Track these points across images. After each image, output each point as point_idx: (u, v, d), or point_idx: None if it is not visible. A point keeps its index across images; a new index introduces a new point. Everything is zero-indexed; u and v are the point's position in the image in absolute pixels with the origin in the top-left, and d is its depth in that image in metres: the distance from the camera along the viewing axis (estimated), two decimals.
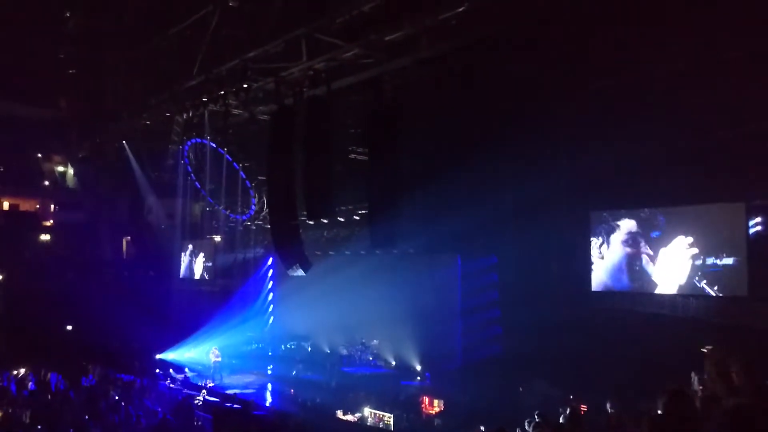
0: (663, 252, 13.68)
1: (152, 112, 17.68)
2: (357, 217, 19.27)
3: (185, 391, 16.59)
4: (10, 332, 21.46)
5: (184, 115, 16.46)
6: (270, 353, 21.79)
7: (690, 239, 13.22)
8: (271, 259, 23.54)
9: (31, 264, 25.12)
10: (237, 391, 16.99)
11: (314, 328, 21.14)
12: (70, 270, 24.62)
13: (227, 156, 18.90)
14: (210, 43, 13.96)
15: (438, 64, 11.69)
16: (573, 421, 7.66)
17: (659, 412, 4.43)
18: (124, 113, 18.89)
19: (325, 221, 18.36)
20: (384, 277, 18.19)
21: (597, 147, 12.88)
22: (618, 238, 14.52)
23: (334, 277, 18.34)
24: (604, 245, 14.74)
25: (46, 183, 28.93)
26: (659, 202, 13.75)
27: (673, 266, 13.48)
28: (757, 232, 12.46)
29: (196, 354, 20.42)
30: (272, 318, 23.81)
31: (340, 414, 14.59)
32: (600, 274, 14.79)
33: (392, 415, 13.86)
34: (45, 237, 27.40)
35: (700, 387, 6.08)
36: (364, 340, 19.35)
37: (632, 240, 14.25)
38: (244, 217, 22.21)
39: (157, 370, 18.92)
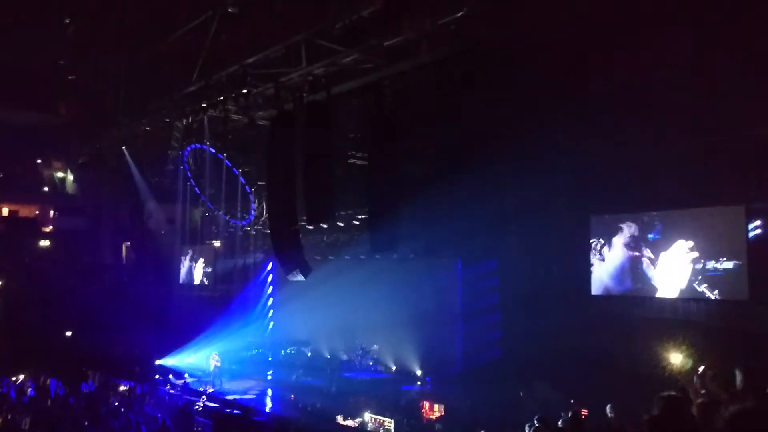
0: (663, 256, 13.67)
1: (152, 118, 17.69)
2: (357, 222, 19.27)
3: (185, 396, 16.55)
4: (9, 338, 21.42)
5: (184, 121, 16.47)
6: (270, 358, 21.75)
7: (690, 243, 13.22)
8: (270, 264, 23.54)
9: (31, 270, 25.09)
10: (237, 396, 16.95)
11: (314, 333, 21.11)
12: (69, 276, 24.59)
13: (227, 161, 18.89)
14: (210, 48, 13.98)
15: (437, 69, 11.70)
16: (574, 425, 7.64)
17: (654, 416, 4.42)
18: (123, 119, 18.90)
19: (325, 226, 18.35)
20: (384, 282, 18.17)
21: (597, 151, 12.90)
22: (618, 241, 14.51)
23: (334, 282, 18.33)
24: (605, 249, 14.73)
25: (46, 189, 28.95)
26: (659, 205, 13.75)
27: (674, 270, 13.47)
28: (757, 235, 12.46)
29: (196, 359, 20.38)
30: (272, 323, 23.78)
31: (340, 419, 14.55)
32: (600, 278, 14.77)
33: (393, 420, 13.83)
34: (45, 243, 27.39)
35: (702, 391, 6.06)
36: (364, 345, 19.31)
37: (633, 243, 14.25)
38: (244, 223, 22.21)
39: (157, 376, 18.89)
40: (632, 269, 14.19)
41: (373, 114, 12.38)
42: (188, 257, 25.87)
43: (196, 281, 25.38)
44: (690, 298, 13.24)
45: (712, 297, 12.84)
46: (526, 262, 15.34)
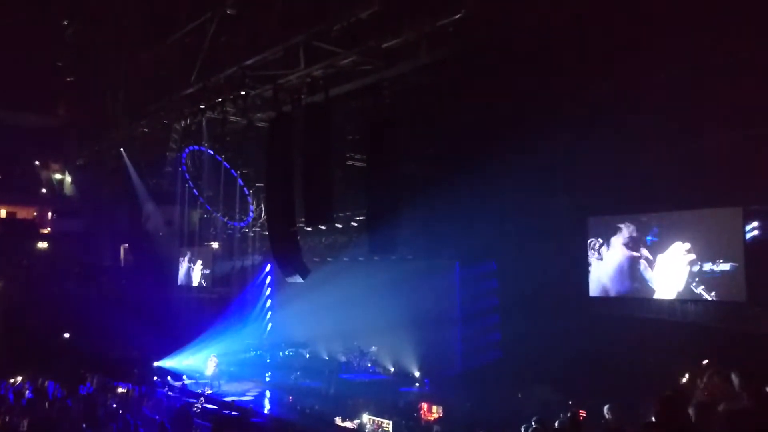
0: (661, 257, 13.70)
1: (150, 120, 17.68)
2: (355, 224, 19.27)
3: (183, 398, 16.53)
4: (7, 340, 21.38)
5: (182, 123, 16.46)
6: (268, 360, 21.74)
7: (688, 244, 13.25)
8: (269, 266, 23.53)
9: (29, 272, 25.07)
10: (235, 398, 16.93)
11: (313, 335, 21.10)
12: (67, 278, 24.58)
13: (225, 163, 18.90)
14: (208, 50, 13.99)
15: (436, 71, 11.72)
16: (572, 426, 7.65)
17: (652, 418, 4.44)
18: (122, 121, 18.89)
19: (324, 227, 18.37)
20: (382, 283, 18.17)
21: (596, 152, 12.92)
22: (617, 243, 14.55)
23: (333, 284, 18.32)
24: (603, 250, 14.76)
25: (44, 191, 28.92)
26: (657, 207, 13.79)
27: (671, 272, 13.50)
28: (754, 237, 12.49)
29: (195, 361, 20.37)
30: (270, 325, 23.77)
31: (338, 421, 14.55)
32: (599, 279, 14.81)
33: (391, 422, 13.83)
34: (43, 245, 27.35)
35: (705, 392, 6.08)
36: (362, 347, 19.31)
37: (631, 245, 14.28)
38: (242, 224, 22.21)
39: (156, 378, 18.86)
40: (630, 271, 14.22)
41: (371, 116, 12.39)
42: (186, 259, 25.85)
43: (195, 283, 25.36)
44: (687, 300, 13.27)
45: (710, 298, 12.87)
46: (524, 264, 15.36)
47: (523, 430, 7.80)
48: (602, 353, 13.19)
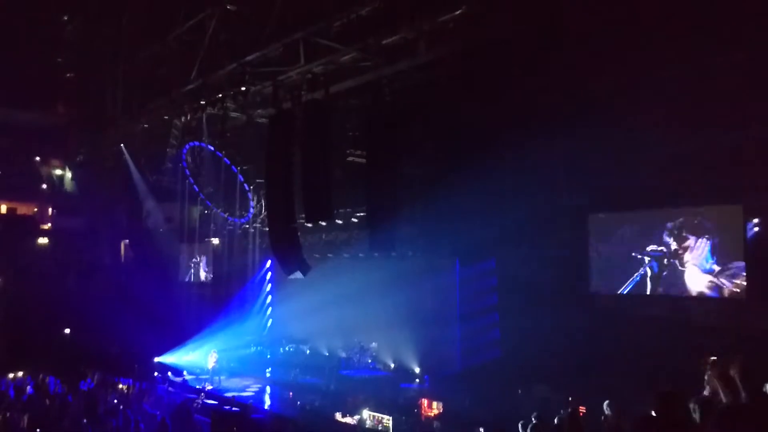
0: (661, 255, 13.70)
1: (150, 116, 17.68)
2: (355, 220, 19.28)
3: (184, 394, 16.56)
4: (8, 336, 21.42)
5: (183, 119, 16.47)
6: (269, 356, 21.77)
7: (689, 241, 13.25)
8: (269, 262, 23.54)
9: (29, 268, 25.08)
10: (235, 394, 16.96)
11: (313, 331, 21.11)
12: (68, 274, 24.60)
13: (225, 159, 18.90)
14: (208, 46, 13.98)
15: (436, 68, 11.70)
16: (572, 423, 7.65)
17: (652, 413, 4.45)
18: (122, 117, 18.89)
19: (324, 224, 18.36)
20: (382, 280, 18.17)
21: (596, 149, 12.90)
22: (616, 241, 14.53)
23: (333, 281, 18.34)
24: (603, 248, 14.75)
25: (44, 187, 28.90)
26: (657, 204, 13.77)
27: (671, 269, 13.50)
28: (755, 233, 12.48)
29: (195, 357, 20.40)
30: (271, 321, 23.80)
31: (339, 417, 14.58)
32: (598, 278, 14.80)
33: (391, 418, 13.85)
34: (43, 241, 27.37)
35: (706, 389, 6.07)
36: (363, 343, 19.33)
37: (630, 243, 14.27)
38: (243, 221, 22.22)
39: (156, 374, 18.90)
40: (630, 268, 14.21)
41: (371, 112, 12.39)
42: (187, 255, 25.87)
43: (195, 279, 25.39)
44: (688, 297, 13.27)
45: (711, 295, 12.86)
46: (524, 262, 15.35)
47: (520, 427, 7.79)
48: (602, 351, 13.19)
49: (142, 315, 20.25)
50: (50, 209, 28.83)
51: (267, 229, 17.55)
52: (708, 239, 12.98)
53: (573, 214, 14.82)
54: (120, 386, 17.22)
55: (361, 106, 14.00)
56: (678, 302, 13.47)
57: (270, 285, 24.08)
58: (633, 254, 14.16)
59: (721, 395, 5.14)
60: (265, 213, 18.58)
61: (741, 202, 12.43)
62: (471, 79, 12.67)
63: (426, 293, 17.93)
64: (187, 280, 25.92)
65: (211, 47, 13.95)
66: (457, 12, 9.77)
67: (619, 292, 14.40)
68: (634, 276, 14.13)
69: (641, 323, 13.62)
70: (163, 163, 19.63)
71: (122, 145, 20.43)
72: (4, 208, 27.93)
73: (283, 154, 13.01)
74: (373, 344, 19.37)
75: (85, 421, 11.75)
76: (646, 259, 13.96)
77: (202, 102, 15.01)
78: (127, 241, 26.13)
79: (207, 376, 19.19)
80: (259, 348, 22.32)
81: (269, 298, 24.05)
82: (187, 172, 19.65)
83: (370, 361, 19.25)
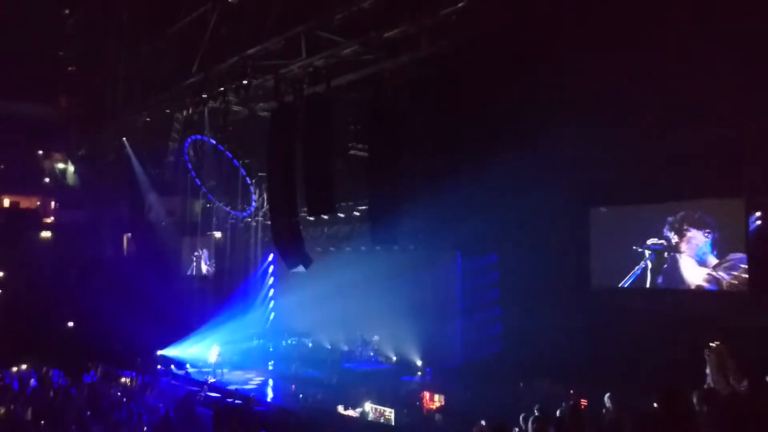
0: (662, 249, 13.70)
1: (152, 110, 17.67)
2: (357, 213, 19.29)
3: (187, 387, 16.64)
4: (11, 329, 21.51)
5: (184, 112, 16.46)
6: (271, 349, 21.84)
7: (690, 235, 13.24)
8: (271, 256, 23.58)
9: (32, 261, 25.16)
10: (238, 387, 17.04)
11: (315, 324, 21.19)
12: (70, 267, 24.67)
13: (227, 153, 18.89)
14: (209, 40, 13.95)
15: (438, 62, 11.68)
16: (573, 416, 7.68)
17: (655, 405, 4.47)
18: (124, 110, 18.88)
19: (326, 217, 18.39)
20: (384, 274, 18.21)
21: (597, 144, 12.89)
22: (617, 235, 14.53)
23: (335, 274, 18.38)
24: (604, 242, 14.75)
25: (47, 180, 28.95)
26: (658, 198, 13.76)
27: (672, 263, 13.50)
28: (757, 227, 12.47)
29: (198, 350, 20.48)
30: (273, 314, 23.86)
31: (341, 409, 14.63)
32: (599, 272, 14.80)
33: (393, 410, 13.90)
34: (46, 234, 27.44)
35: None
36: (365, 336, 19.39)
37: (631, 237, 14.27)
38: (245, 214, 22.23)
39: (159, 367, 18.98)
40: (630, 262, 14.21)
41: (373, 106, 12.37)
42: (189, 249, 25.91)
43: (197, 273, 25.43)
44: (688, 290, 13.28)
45: (711, 289, 12.87)
46: (525, 256, 15.36)
47: (521, 420, 7.82)
48: (603, 344, 13.21)
49: (144, 308, 20.32)
50: (53, 203, 28.89)
51: (269, 222, 17.58)
52: (709, 233, 12.98)
53: (574, 208, 14.82)
54: (123, 379, 17.31)
55: (362, 99, 13.97)
56: (678, 296, 13.48)
57: (272, 278, 24.12)
58: (633, 248, 14.16)
59: (718, 382, 5.18)
60: (267, 206, 18.58)
61: (742, 196, 12.41)
62: (472, 73, 12.64)
63: (428, 287, 17.96)
64: (189, 273, 25.98)
65: (213, 41, 13.92)
66: (459, 5, 9.74)
67: (619, 285, 14.41)
68: (635, 270, 14.14)
69: (642, 317, 13.63)
70: (165, 156, 19.63)
71: (124, 138, 20.43)
72: (6, 202, 28.00)
73: (285, 148, 13.01)
74: (375, 337, 19.43)
75: (88, 413, 11.82)
76: (647, 252, 13.97)
77: (203, 95, 14.99)
78: (130, 234, 26.20)
79: (210, 369, 19.27)
80: (261, 341, 22.38)
81: (271, 291, 24.10)
82: (189, 166, 19.65)
83: (372, 354, 19.31)
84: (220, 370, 19.26)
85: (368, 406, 14.38)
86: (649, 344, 12.69)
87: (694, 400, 4.62)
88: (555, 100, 12.60)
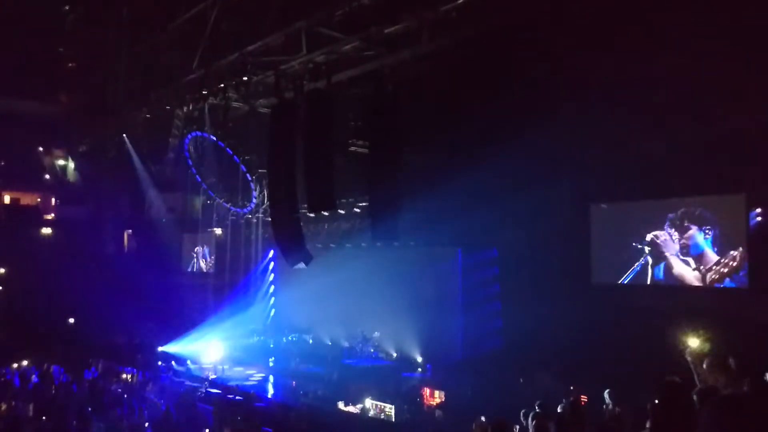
0: (663, 244, 13.69)
1: (152, 106, 17.65)
2: (358, 210, 19.29)
3: (187, 383, 16.67)
4: (12, 326, 21.55)
5: (185, 109, 16.45)
6: (271, 346, 21.87)
7: (690, 231, 13.24)
8: (272, 252, 23.59)
9: (33, 257, 25.18)
10: (239, 383, 17.07)
11: (316, 320, 21.22)
12: (71, 264, 24.68)
13: (228, 149, 18.87)
14: (210, 36, 13.93)
15: (439, 57, 11.66)
16: (573, 411, 7.70)
17: (656, 401, 4.47)
18: (124, 107, 18.86)
19: (326, 214, 18.37)
20: (385, 269, 18.23)
21: (597, 139, 12.88)
22: (618, 230, 14.53)
23: (336, 270, 18.38)
24: (605, 237, 14.75)
25: (47, 177, 28.95)
26: (659, 194, 13.76)
27: (673, 259, 13.50)
28: (757, 223, 12.47)
29: (198, 346, 20.51)
30: (273, 310, 23.88)
31: (341, 405, 14.67)
32: (600, 267, 14.81)
33: (393, 406, 13.93)
34: (46, 231, 27.46)
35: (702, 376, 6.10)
36: (365, 333, 19.41)
37: (631, 232, 14.27)
38: (245, 210, 22.23)
39: (160, 363, 19.01)
40: (631, 258, 14.22)
41: (374, 102, 12.35)
42: (189, 245, 25.94)
43: (197, 269, 25.46)
44: (689, 286, 13.28)
45: (712, 285, 12.87)
46: (526, 251, 15.38)
47: (522, 416, 7.84)
48: (604, 340, 13.22)
49: (145, 305, 20.35)
50: (53, 199, 28.91)
51: (269, 219, 17.58)
52: (709, 229, 12.97)
53: (575, 204, 14.82)
54: (124, 375, 17.35)
55: (363, 95, 13.95)
56: (678, 292, 13.49)
57: (273, 275, 24.14)
58: (634, 244, 14.16)
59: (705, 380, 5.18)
60: (268, 203, 18.59)
61: (743, 192, 12.41)
62: (473, 68, 12.62)
63: (428, 283, 17.97)
64: (189, 270, 26.01)
65: (213, 37, 13.90)
66: (460, 0, 9.72)
67: (620, 281, 14.42)
68: (635, 266, 14.15)
69: (642, 313, 13.64)
70: (166, 153, 19.62)
71: (124, 135, 20.42)
72: (7, 199, 28.02)
73: (286, 144, 12.99)
74: (376, 334, 19.45)
75: (89, 409, 11.85)
76: (647, 248, 13.97)
77: (204, 92, 14.97)
78: (130, 231, 26.22)
79: (210, 366, 19.29)
80: (262, 338, 22.41)
81: (272, 288, 24.12)
82: (190, 162, 19.64)
83: (372, 350, 19.33)
84: (220, 367, 19.29)
85: (369, 403, 14.41)
86: (649, 340, 12.68)
87: (695, 398, 4.63)
88: (555, 96, 12.58)
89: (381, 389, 15.15)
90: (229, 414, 12.13)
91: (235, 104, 15.50)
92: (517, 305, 15.25)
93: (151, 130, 19.22)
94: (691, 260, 13.23)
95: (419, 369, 17.87)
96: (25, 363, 18.30)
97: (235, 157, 19.50)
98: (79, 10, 20.45)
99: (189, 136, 18.34)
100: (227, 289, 23.52)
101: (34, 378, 15.64)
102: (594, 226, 14.92)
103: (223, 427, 10.82)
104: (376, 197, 12.30)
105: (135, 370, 17.46)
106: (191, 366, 19.50)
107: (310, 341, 21.40)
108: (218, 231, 24.61)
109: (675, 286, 13.50)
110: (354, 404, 14.60)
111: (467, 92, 13.47)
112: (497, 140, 13.66)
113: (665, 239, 13.68)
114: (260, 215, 22.55)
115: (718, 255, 12.84)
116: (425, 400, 14.89)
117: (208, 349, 19.87)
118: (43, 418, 11.72)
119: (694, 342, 5.96)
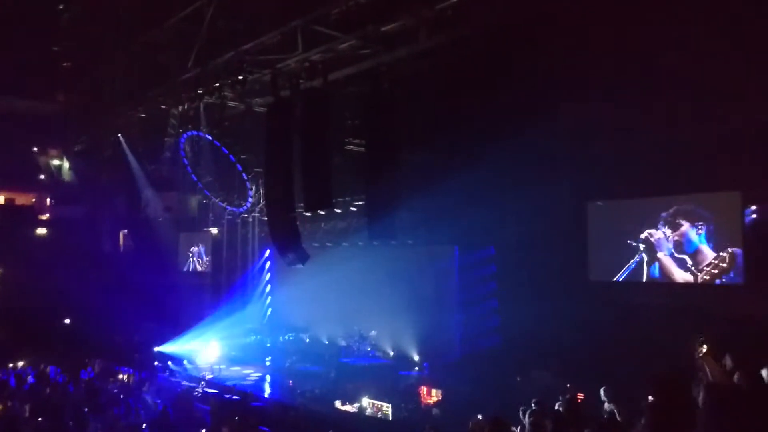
0: (660, 242, 13.73)
1: (148, 105, 17.62)
2: (354, 209, 19.28)
3: (184, 383, 16.64)
4: (8, 326, 21.45)
5: (180, 108, 16.42)
6: (268, 345, 21.84)
7: (687, 228, 13.27)
8: (268, 252, 23.56)
9: (28, 258, 25.08)
10: (236, 382, 17.04)
11: (312, 319, 21.19)
12: (67, 264, 24.60)
13: (224, 148, 18.84)
14: (205, 35, 13.90)
15: (436, 55, 11.66)
16: (570, 409, 7.72)
17: (650, 398, 4.48)
18: (119, 106, 18.81)
19: (323, 213, 18.36)
20: (382, 268, 18.21)
21: (595, 137, 12.89)
22: (616, 228, 14.56)
23: (332, 269, 18.36)
24: (602, 235, 14.77)
25: (42, 177, 28.83)
26: (655, 191, 13.79)
27: (670, 256, 13.54)
28: (753, 220, 12.51)
29: (195, 346, 20.47)
30: (270, 310, 23.85)
31: (338, 404, 14.66)
32: (597, 264, 14.83)
33: (390, 405, 13.93)
34: (42, 231, 27.35)
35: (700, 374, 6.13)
36: (362, 331, 19.40)
37: (629, 230, 14.30)
38: (242, 210, 22.20)
39: (156, 363, 18.97)
40: (626, 255, 14.25)
41: (370, 100, 12.35)
42: (186, 245, 25.88)
43: (194, 268, 25.42)
44: (685, 283, 13.32)
45: (709, 282, 12.91)
46: (523, 249, 15.39)
47: (520, 413, 7.86)
48: (601, 338, 13.25)
49: (141, 304, 20.29)
50: (48, 199, 28.79)
51: (266, 218, 17.56)
52: (704, 226, 13.01)
53: (572, 202, 14.83)
54: (120, 375, 17.31)
55: (360, 94, 13.95)
56: (674, 289, 13.52)
57: (269, 274, 24.11)
58: (629, 242, 14.19)
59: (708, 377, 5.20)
60: (264, 202, 18.58)
61: (738, 190, 12.44)
62: (470, 66, 12.63)
63: (425, 281, 17.97)
64: (185, 269, 25.96)
65: (209, 35, 13.87)
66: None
67: (615, 279, 14.45)
68: (630, 263, 14.18)
69: (639, 310, 13.68)
70: (162, 152, 19.60)
71: (120, 134, 20.37)
72: (2, 199, 27.91)
73: (282, 143, 13.00)
74: (373, 332, 19.43)
75: (86, 410, 11.82)
76: (641, 246, 14.00)
77: (199, 91, 14.95)
78: (126, 230, 26.14)
79: (207, 365, 19.26)
80: (258, 337, 22.38)
81: (268, 287, 24.08)
82: (185, 162, 19.61)
83: (369, 349, 19.32)
84: (217, 366, 19.26)
85: (366, 401, 14.41)
86: (646, 337, 12.73)
87: (694, 394, 4.64)
88: (552, 94, 12.59)
89: (378, 388, 15.14)
90: (227, 413, 12.11)
91: (231, 103, 15.51)
92: (515, 303, 15.26)
93: (146, 130, 19.18)
94: (686, 258, 13.27)
95: (416, 367, 17.88)
96: (21, 363, 18.23)
97: (231, 156, 19.47)
98: (74, 9, 20.37)
99: (185, 136, 18.31)
100: (224, 288, 23.47)
101: (30, 378, 15.59)
102: (591, 224, 14.94)
103: (221, 427, 10.80)
104: (373, 196, 12.32)
105: (132, 370, 17.41)
106: (188, 366, 19.46)
107: (307, 340, 21.38)
108: (214, 230, 24.55)
109: (671, 283, 13.53)
110: (351, 403, 14.59)
111: (464, 90, 13.47)
112: (494, 138, 13.66)
113: (659, 237, 13.72)
114: (256, 214, 22.52)
115: (713, 251, 12.88)
116: (422, 399, 14.89)
117: (204, 349, 19.83)
118: (40, 418, 11.67)
119: (706, 344, 5.95)
